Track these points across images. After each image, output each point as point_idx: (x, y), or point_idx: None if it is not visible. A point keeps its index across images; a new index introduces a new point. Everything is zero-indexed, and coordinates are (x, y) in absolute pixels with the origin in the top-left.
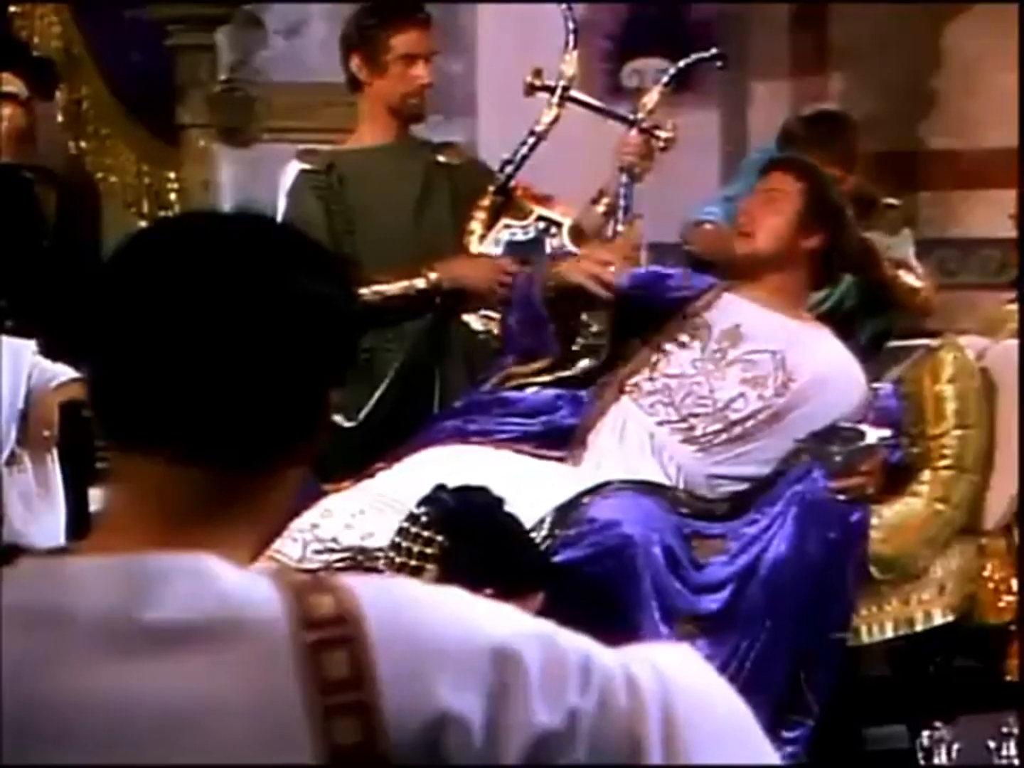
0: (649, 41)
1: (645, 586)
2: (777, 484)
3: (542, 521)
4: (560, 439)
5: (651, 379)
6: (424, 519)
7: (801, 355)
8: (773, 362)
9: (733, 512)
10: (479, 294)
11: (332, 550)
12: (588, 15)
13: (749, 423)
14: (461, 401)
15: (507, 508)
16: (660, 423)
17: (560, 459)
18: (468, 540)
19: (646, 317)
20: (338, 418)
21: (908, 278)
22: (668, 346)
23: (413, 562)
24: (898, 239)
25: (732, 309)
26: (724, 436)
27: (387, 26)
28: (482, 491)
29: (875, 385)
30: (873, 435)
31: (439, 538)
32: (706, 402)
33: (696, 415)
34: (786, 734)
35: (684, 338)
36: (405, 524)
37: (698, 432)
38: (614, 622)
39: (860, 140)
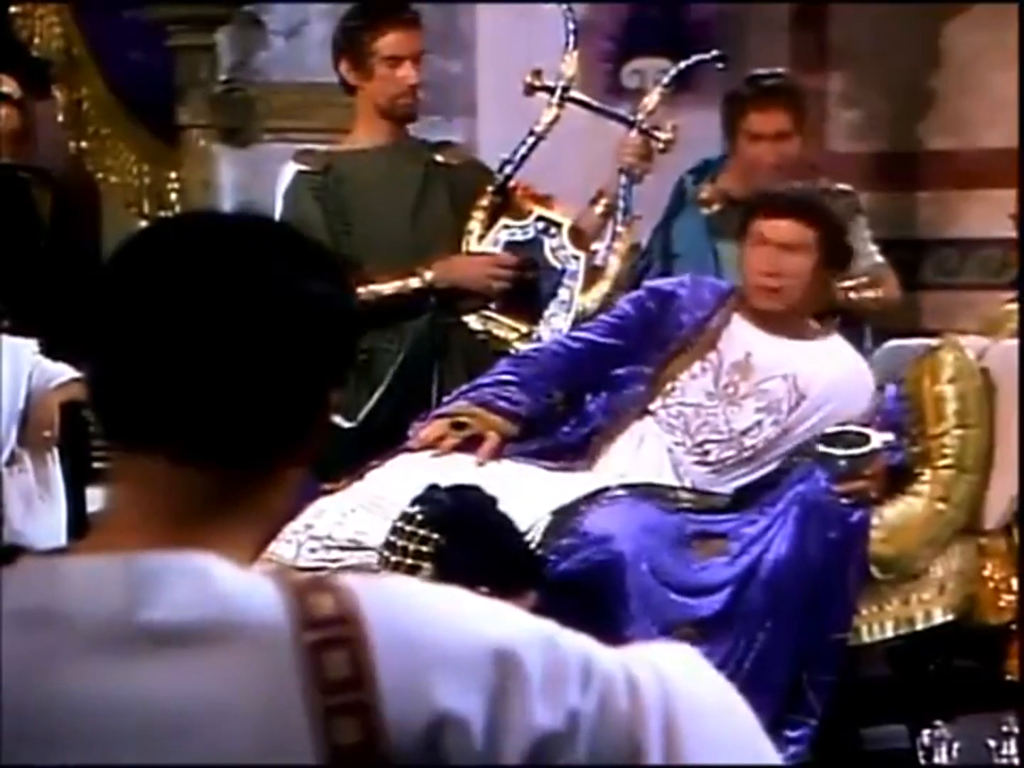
0: (649, 41)
1: (634, 604)
2: (779, 484)
3: (535, 524)
4: (558, 452)
5: (665, 407)
6: (419, 518)
7: (811, 370)
8: (785, 385)
9: (735, 505)
10: (474, 291)
11: (327, 547)
12: (588, 15)
13: (762, 445)
14: None
15: (500, 507)
16: (676, 444)
17: (563, 469)
18: (462, 538)
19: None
20: (337, 419)
21: (867, 292)
22: (681, 376)
23: (409, 560)
24: (853, 226)
25: (742, 337)
26: (737, 459)
27: (370, 28)
28: (475, 490)
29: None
30: (877, 439)
31: (434, 536)
32: (721, 431)
33: (711, 442)
34: (788, 734)
35: (696, 370)
36: (400, 523)
37: (712, 457)
38: (607, 634)
39: (807, 106)
